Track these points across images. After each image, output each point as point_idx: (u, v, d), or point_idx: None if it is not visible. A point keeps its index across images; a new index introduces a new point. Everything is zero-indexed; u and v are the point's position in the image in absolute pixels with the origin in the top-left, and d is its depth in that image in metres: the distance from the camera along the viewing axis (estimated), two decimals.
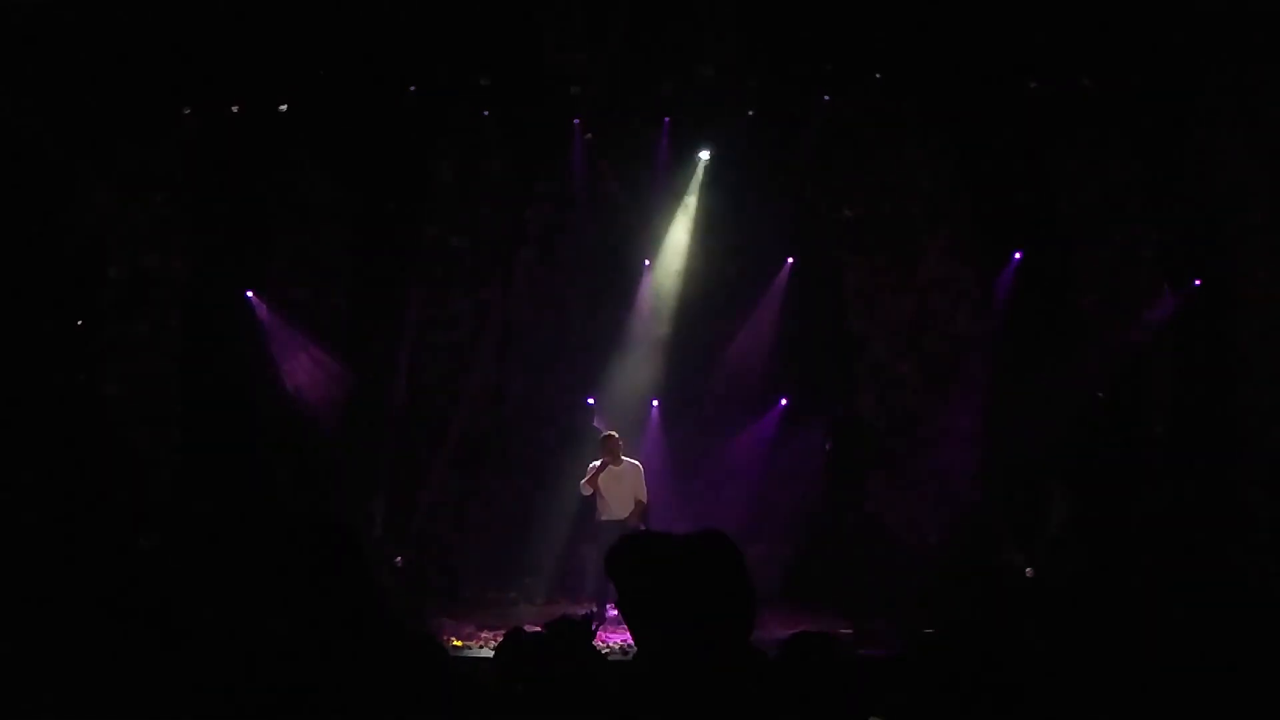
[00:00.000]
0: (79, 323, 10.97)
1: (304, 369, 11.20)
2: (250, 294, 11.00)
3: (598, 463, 9.56)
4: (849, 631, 8.57)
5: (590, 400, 11.40)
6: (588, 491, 9.60)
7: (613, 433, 9.77)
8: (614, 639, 8.48)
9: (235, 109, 10.62)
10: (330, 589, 2.62)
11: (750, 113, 10.82)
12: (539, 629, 3.31)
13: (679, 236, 11.54)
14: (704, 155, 11.26)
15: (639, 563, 2.75)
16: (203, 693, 2.57)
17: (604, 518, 9.51)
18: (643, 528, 9.14)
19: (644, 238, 11.66)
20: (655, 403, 11.46)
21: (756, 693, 2.51)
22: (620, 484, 9.50)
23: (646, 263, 11.67)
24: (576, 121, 10.96)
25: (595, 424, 10.99)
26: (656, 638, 2.64)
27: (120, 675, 2.69)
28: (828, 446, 11.31)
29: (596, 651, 3.41)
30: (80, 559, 8.87)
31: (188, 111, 10.59)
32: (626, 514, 9.40)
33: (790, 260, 11.47)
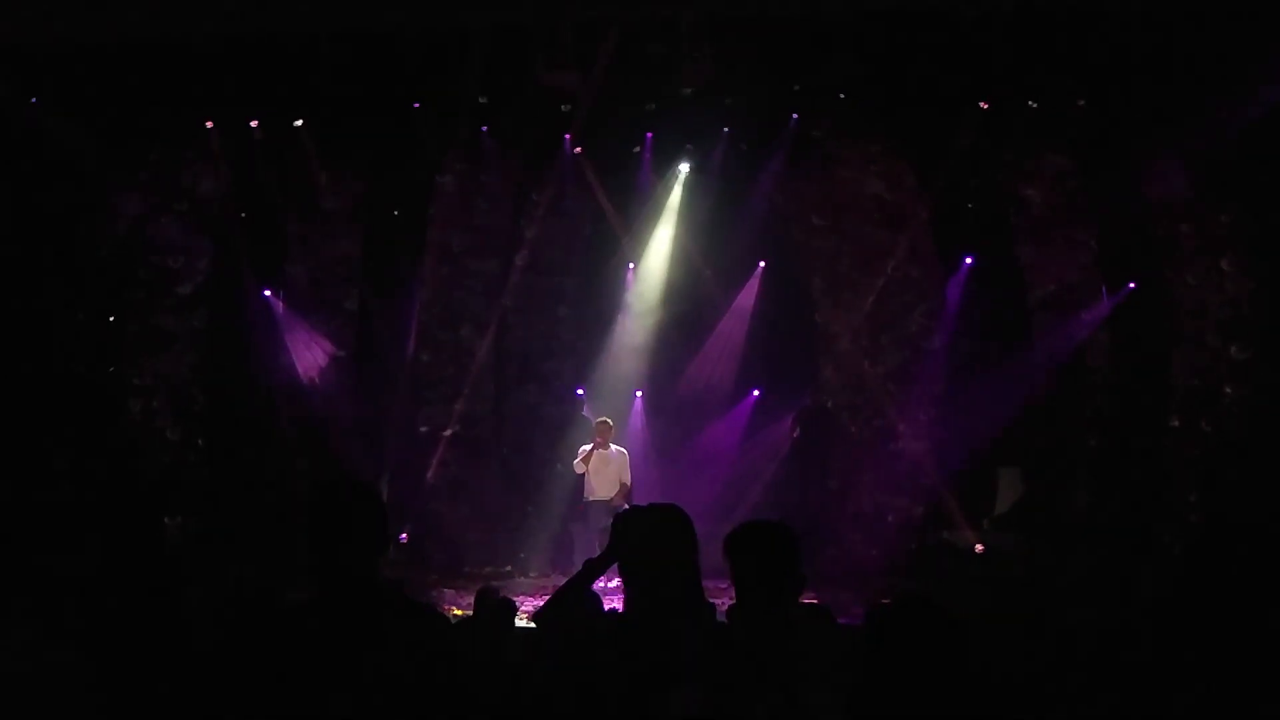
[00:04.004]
0: (110, 318, 11.21)
1: (317, 361, 11.41)
2: (268, 292, 11.35)
3: (589, 446, 9.97)
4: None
5: (580, 391, 11.71)
6: (580, 469, 9.92)
7: (607, 419, 10.11)
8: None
9: (255, 124, 10.79)
10: (352, 540, 2.60)
11: (726, 129, 11.04)
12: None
13: (660, 242, 11.81)
14: (684, 168, 11.52)
15: (622, 534, 2.92)
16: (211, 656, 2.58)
17: (591, 498, 9.91)
18: (626, 507, 9.87)
19: (628, 243, 11.96)
20: (639, 393, 11.72)
21: (712, 640, 2.74)
22: (607, 468, 9.90)
23: (631, 266, 11.98)
24: (567, 137, 11.13)
25: (584, 413, 11.32)
26: (642, 595, 2.79)
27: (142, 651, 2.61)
28: (796, 434, 11.50)
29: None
30: (109, 538, 9.62)
31: (210, 126, 10.81)
32: (611, 495, 9.79)
33: (762, 264, 11.73)
